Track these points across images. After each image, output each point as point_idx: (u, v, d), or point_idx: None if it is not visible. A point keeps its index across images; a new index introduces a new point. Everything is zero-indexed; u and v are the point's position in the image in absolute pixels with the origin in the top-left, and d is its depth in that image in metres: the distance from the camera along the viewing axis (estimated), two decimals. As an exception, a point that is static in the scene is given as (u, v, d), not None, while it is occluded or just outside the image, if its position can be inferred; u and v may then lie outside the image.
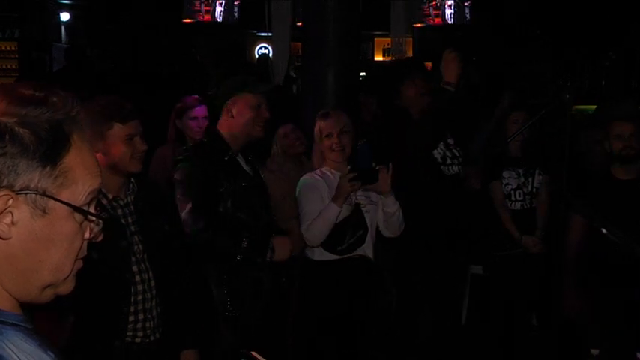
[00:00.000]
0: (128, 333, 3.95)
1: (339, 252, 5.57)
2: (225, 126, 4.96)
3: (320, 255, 5.60)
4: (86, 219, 1.74)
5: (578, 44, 13.14)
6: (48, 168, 1.66)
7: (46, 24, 14.84)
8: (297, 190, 5.67)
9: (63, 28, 15.13)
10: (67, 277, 1.75)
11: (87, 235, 1.75)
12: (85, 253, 1.77)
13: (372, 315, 5.60)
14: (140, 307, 3.97)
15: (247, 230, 4.84)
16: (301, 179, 5.71)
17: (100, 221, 1.77)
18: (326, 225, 5.41)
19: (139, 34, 14.67)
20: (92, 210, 1.75)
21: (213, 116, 5.30)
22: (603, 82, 11.20)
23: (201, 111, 6.84)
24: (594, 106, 9.60)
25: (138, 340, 3.97)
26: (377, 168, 5.43)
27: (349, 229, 5.55)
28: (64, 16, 15.02)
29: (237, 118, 4.92)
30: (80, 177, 1.72)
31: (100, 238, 1.79)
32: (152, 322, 4.00)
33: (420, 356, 6.11)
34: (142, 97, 10.25)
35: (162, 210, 4.22)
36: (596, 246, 6.05)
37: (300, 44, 9.68)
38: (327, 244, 5.54)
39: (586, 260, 6.20)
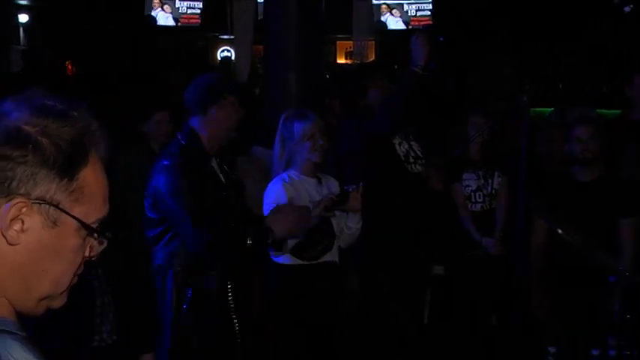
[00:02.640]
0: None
1: (307, 259, 5.57)
2: (205, 129, 4.88)
3: (288, 260, 5.58)
4: (91, 237, 1.75)
5: (538, 39, 13.27)
6: (65, 181, 1.67)
7: (3, 26, 14.81)
8: (266, 194, 5.62)
9: (21, 29, 15.10)
10: (63, 291, 1.78)
11: (87, 253, 1.77)
12: (82, 269, 1.79)
13: (339, 317, 5.62)
14: (98, 311, 3.97)
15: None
16: (270, 184, 5.67)
17: (105, 241, 1.79)
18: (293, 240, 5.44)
19: (100, 36, 14.61)
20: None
21: (178, 120, 5.25)
22: (560, 86, 11.27)
23: (166, 115, 6.79)
24: (551, 109, 9.68)
25: (94, 343, 3.97)
26: (348, 190, 5.52)
27: (318, 237, 5.56)
28: (23, 18, 14.96)
29: (223, 121, 4.88)
30: (94, 196, 1.74)
31: (97, 258, 1.81)
32: (109, 327, 4.00)
33: (384, 355, 6.07)
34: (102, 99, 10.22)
35: (122, 214, 4.18)
36: (556, 246, 6.12)
37: (262, 47, 9.61)
38: (296, 251, 5.53)
39: (548, 260, 6.28)
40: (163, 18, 15.08)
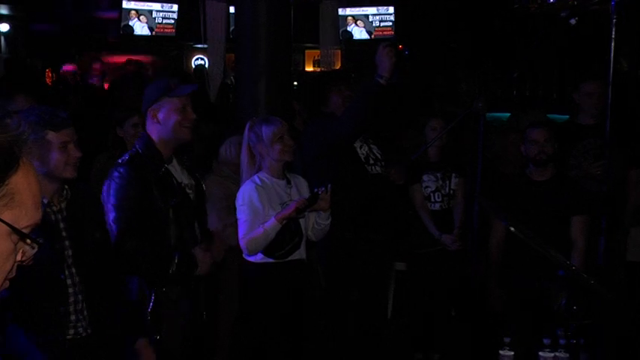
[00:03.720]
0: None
1: (277, 257, 5.57)
2: (155, 132, 4.81)
3: (259, 258, 5.58)
4: (23, 241, 1.71)
5: (489, 56, 13.31)
6: None
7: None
8: (239, 197, 5.60)
9: (2, 38, 14.96)
10: None
11: (19, 257, 1.72)
12: (14, 274, 1.73)
13: (308, 312, 5.64)
14: (72, 308, 3.94)
15: (176, 247, 4.76)
16: (243, 186, 5.64)
17: (36, 246, 1.73)
18: (266, 240, 5.44)
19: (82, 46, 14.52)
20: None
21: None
22: (515, 92, 11.29)
23: (141, 118, 6.75)
24: (506, 114, 9.72)
25: (69, 337, 3.93)
26: (318, 192, 5.51)
27: (287, 236, 5.56)
28: (3, 27, 14.83)
29: (163, 122, 4.78)
30: (25, 201, 1.69)
31: (30, 263, 1.75)
32: (84, 322, 3.97)
33: (347, 348, 6.10)
34: (83, 107, 10.15)
35: (94, 216, 4.19)
36: (512, 243, 6.18)
37: (234, 55, 9.60)
38: (267, 250, 5.53)
39: (505, 256, 6.37)
40: (139, 28, 15.01)
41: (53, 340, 3.87)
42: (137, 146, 4.89)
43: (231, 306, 5.76)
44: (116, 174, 4.68)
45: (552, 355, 5.58)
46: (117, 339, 4.16)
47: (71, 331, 3.94)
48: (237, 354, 5.67)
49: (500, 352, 5.77)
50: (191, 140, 5.16)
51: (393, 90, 7.34)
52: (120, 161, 4.83)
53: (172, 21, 15.35)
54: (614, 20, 3.71)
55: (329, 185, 5.56)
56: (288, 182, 5.72)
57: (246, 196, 5.57)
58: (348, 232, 6.24)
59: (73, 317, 3.94)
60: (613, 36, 3.73)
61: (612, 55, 3.81)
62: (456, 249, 6.93)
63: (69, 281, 3.93)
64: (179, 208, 4.78)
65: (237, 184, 5.81)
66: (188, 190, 4.90)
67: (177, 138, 4.85)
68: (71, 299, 3.93)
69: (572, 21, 10.28)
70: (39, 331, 3.81)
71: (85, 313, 3.98)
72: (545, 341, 5.51)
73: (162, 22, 15.36)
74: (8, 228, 1.65)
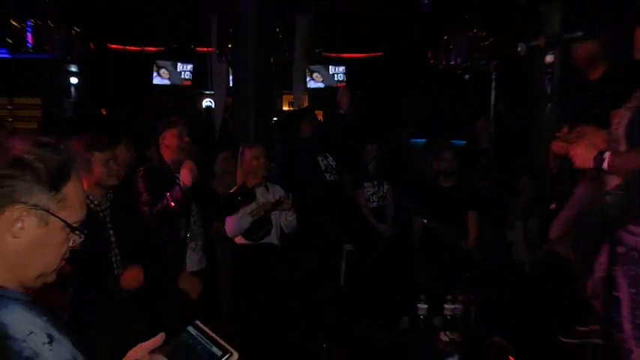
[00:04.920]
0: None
1: (253, 240, 5.58)
2: (166, 154, 4.88)
3: (241, 241, 5.60)
4: (73, 233, 1.72)
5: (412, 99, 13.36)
6: (53, 193, 1.66)
7: (61, 86, 14.64)
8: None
9: (72, 88, 14.91)
10: (53, 271, 1.73)
11: (71, 243, 1.73)
12: (68, 256, 1.75)
13: (278, 282, 5.60)
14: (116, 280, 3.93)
15: (165, 246, 4.71)
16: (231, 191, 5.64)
17: (82, 235, 1.75)
18: (241, 227, 5.50)
19: (122, 95, 14.49)
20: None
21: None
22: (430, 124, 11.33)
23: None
24: (423, 139, 9.76)
25: (117, 298, 3.90)
26: (281, 198, 5.54)
27: (260, 225, 5.57)
28: (74, 80, 14.80)
29: (169, 146, 4.85)
30: (74, 204, 1.71)
31: (78, 248, 1.76)
32: (124, 291, 3.91)
33: (310, 308, 6.06)
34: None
35: (130, 213, 4.18)
36: (428, 232, 6.26)
37: (232, 99, 9.60)
38: (246, 234, 5.55)
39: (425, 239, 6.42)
40: (163, 80, 15.09)
41: (106, 301, 3.86)
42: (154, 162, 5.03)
43: (225, 272, 5.73)
44: (140, 178, 4.77)
45: (452, 307, 5.65)
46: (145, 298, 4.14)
47: (117, 296, 3.90)
48: (234, 307, 5.65)
49: (418, 305, 5.84)
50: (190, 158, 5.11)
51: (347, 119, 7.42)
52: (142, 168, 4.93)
53: (189, 75, 15.34)
54: (493, 76, 3.75)
55: (290, 194, 5.61)
56: (267, 188, 5.71)
57: None
58: (310, 224, 6.24)
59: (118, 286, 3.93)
60: (493, 87, 3.77)
61: (493, 100, 3.84)
62: (388, 234, 6.95)
63: (113, 258, 3.92)
64: (176, 209, 4.74)
65: (227, 186, 5.86)
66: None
67: (177, 156, 4.88)
68: (115, 270, 3.93)
69: (466, 76, 10.46)
70: (94, 293, 3.81)
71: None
72: (448, 297, 5.62)
73: (181, 76, 15.37)
74: (62, 223, 1.68)
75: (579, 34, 3.37)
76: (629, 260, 3.44)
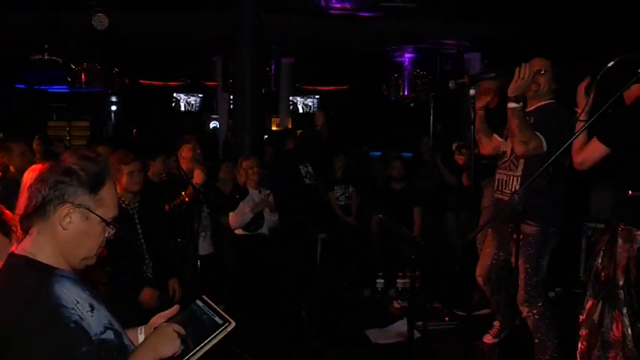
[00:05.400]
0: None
1: (250, 231, 5.56)
2: (182, 162, 4.88)
3: (240, 232, 5.56)
4: (108, 226, 1.73)
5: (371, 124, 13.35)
6: (93, 195, 1.68)
7: (103, 111, 14.70)
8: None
9: (112, 114, 14.95)
10: (94, 255, 1.74)
11: (107, 234, 1.74)
12: (104, 244, 1.75)
13: (269, 263, 5.56)
14: (144, 262, 3.90)
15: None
16: None
17: (115, 229, 1.75)
18: (244, 221, 5.49)
19: (149, 119, 14.44)
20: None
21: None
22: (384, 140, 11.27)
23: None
24: (379, 152, 9.75)
25: (143, 277, 3.89)
26: (268, 198, 5.57)
27: (255, 220, 5.55)
28: (113, 107, 14.84)
29: (185, 157, 4.85)
30: (109, 203, 1.72)
31: (113, 238, 1.76)
32: (150, 270, 3.92)
33: (290, 283, 6.01)
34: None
35: (155, 212, 4.11)
36: (382, 226, 6.29)
37: (232, 121, 9.51)
38: (244, 227, 5.53)
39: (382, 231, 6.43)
40: (179, 107, 15.02)
41: (135, 278, 3.83)
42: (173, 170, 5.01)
43: (229, 257, 5.66)
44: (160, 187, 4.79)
45: (403, 281, 5.64)
46: (165, 280, 4.09)
47: (144, 275, 3.89)
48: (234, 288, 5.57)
49: (377, 280, 5.82)
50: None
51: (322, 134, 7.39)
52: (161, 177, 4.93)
53: (200, 102, 15.25)
54: (432, 105, 3.76)
55: (272, 194, 5.66)
56: (260, 191, 5.69)
57: None
58: (291, 219, 6.20)
59: (144, 267, 3.90)
60: (431, 113, 3.78)
61: (431, 122, 3.85)
62: (353, 225, 6.87)
63: (142, 248, 3.88)
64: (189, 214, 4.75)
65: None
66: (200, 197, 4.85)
67: (193, 165, 4.90)
68: (144, 257, 3.89)
69: (412, 105, 10.51)
70: (128, 274, 3.76)
71: (150, 265, 3.92)
72: (399, 273, 5.61)
73: (195, 104, 15.28)
74: (100, 219, 1.69)
75: (492, 74, 3.45)
76: (526, 244, 3.63)
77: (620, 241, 2.97)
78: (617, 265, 2.97)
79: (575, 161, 3.05)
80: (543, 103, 3.79)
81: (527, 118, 3.69)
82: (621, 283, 2.96)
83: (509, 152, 3.85)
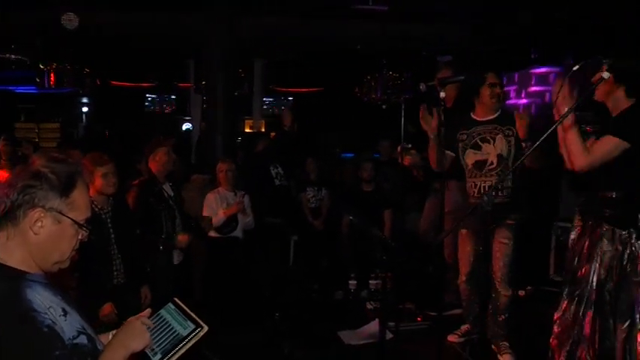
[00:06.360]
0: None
1: (223, 233, 5.54)
2: (154, 167, 4.71)
3: (214, 234, 5.54)
4: (81, 229, 1.71)
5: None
6: (64, 198, 1.65)
7: (74, 113, 14.43)
8: (207, 198, 5.59)
9: (84, 115, 14.73)
10: (66, 259, 1.71)
11: (79, 237, 1.72)
12: (77, 247, 1.73)
13: (241, 265, 5.55)
14: (115, 267, 3.84)
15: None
16: (207, 195, 5.62)
17: (88, 231, 1.73)
18: (218, 223, 5.46)
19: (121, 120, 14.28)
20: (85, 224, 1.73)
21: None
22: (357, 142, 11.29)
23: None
24: (352, 154, 9.79)
25: (114, 283, 3.84)
26: (241, 200, 5.53)
27: (228, 222, 5.52)
28: (84, 109, 14.62)
29: (159, 161, 4.70)
30: (81, 206, 1.69)
31: (86, 240, 1.74)
32: (121, 276, 3.86)
33: (264, 284, 6.00)
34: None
35: (127, 216, 4.05)
36: (352, 228, 6.33)
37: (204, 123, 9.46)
38: (218, 229, 5.51)
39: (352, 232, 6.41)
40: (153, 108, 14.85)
41: (105, 284, 3.77)
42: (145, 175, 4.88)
43: (201, 260, 5.61)
44: (132, 188, 4.65)
45: (375, 282, 5.67)
46: (136, 286, 4.04)
47: (114, 280, 3.84)
48: (206, 293, 5.54)
49: (350, 281, 5.85)
50: (174, 171, 5.04)
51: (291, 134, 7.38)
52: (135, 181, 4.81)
53: (173, 104, 15.13)
54: (403, 107, 3.81)
55: (246, 196, 5.64)
56: (235, 193, 5.66)
57: (210, 200, 5.57)
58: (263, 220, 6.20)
59: (115, 272, 3.84)
60: (402, 114, 3.83)
61: (402, 123, 3.89)
62: (320, 228, 6.82)
63: (113, 253, 3.83)
64: (163, 213, 4.65)
65: (202, 193, 5.76)
66: (171, 202, 4.76)
67: (166, 170, 4.78)
68: (114, 262, 3.83)
69: (384, 107, 10.60)
70: (97, 279, 3.71)
71: (122, 270, 3.86)
72: (372, 275, 5.63)
73: (167, 105, 15.15)
74: (72, 222, 1.67)
75: (461, 77, 3.55)
76: (501, 234, 4.10)
77: (605, 241, 3.07)
78: (599, 264, 3.07)
79: (580, 164, 3.08)
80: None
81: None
82: (604, 283, 3.06)
83: (495, 161, 4.11)
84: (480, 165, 4.15)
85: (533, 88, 8.75)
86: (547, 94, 8.46)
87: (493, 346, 4.25)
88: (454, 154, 4.26)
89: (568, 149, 3.09)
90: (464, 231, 4.35)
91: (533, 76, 8.74)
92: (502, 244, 4.09)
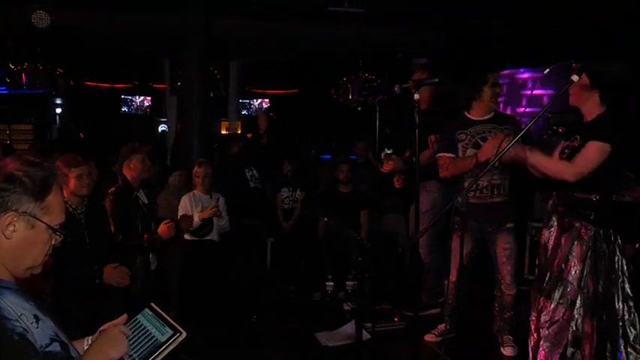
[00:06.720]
0: None
1: (198, 236, 5.50)
2: (129, 174, 4.69)
3: (189, 236, 5.50)
4: (55, 234, 1.68)
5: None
6: (38, 202, 1.62)
7: (48, 114, 14.16)
8: (182, 202, 5.55)
9: (57, 117, 14.47)
10: (39, 264, 1.69)
11: (53, 242, 1.69)
12: (51, 252, 1.70)
13: (217, 268, 5.51)
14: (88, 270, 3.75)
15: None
16: (183, 197, 5.58)
17: (62, 236, 1.70)
18: (195, 226, 5.41)
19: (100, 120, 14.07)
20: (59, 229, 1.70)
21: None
22: (333, 144, 11.32)
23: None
24: (328, 156, 9.78)
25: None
26: (215, 204, 5.47)
27: (204, 225, 5.49)
28: (58, 110, 14.34)
29: (134, 169, 4.68)
30: (55, 210, 1.66)
31: (59, 245, 1.72)
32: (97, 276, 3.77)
33: (243, 287, 5.96)
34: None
35: (101, 217, 4.03)
36: (328, 230, 6.31)
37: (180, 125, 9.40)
38: (193, 232, 5.47)
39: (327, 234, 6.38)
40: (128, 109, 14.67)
41: (82, 286, 3.70)
42: (120, 181, 4.83)
43: (176, 263, 5.56)
44: (110, 196, 4.61)
45: (352, 283, 5.68)
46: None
47: (92, 282, 3.78)
48: (182, 295, 5.49)
49: (327, 283, 5.85)
50: (150, 178, 5.02)
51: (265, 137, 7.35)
52: (113, 187, 4.74)
53: (148, 105, 14.98)
54: (377, 109, 3.83)
55: (220, 200, 5.60)
56: (210, 196, 5.63)
57: (185, 202, 5.53)
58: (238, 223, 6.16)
59: (93, 273, 3.77)
60: (377, 116, 3.85)
61: (378, 125, 3.92)
62: (289, 229, 6.80)
63: (90, 253, 3.77)
64: (140, 218, 4.61)
65: (177, 197, 5.71)
66: (145, 210, 4.72)
67: (141, 177, 4.78)
68: (92, 263, 3.79)
69: (360, 108, 10.62)
70: (74, 282, 3.64)
71: (100, 271, 3.81)
72: (349, 276, 5.64)
73: (142, 107, 15.00)
74: (46, 226, 1.64)
75: (436, 80, 3.61)
76: (503, 240, 4.27)
77: (590, 242, 3.14)
78: (590, 266, 3.14)
79: (570, 178, 3.16)
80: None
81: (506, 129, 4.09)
82: (593, 282, 3.14)
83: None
84: (482, 163, 4.17)
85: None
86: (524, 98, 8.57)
87: (498, 339, 4.41)
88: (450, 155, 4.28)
89: (550, 173, 3.20)
90: (459, 234, 4.35)
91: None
92: (506, 250, 4.22)
